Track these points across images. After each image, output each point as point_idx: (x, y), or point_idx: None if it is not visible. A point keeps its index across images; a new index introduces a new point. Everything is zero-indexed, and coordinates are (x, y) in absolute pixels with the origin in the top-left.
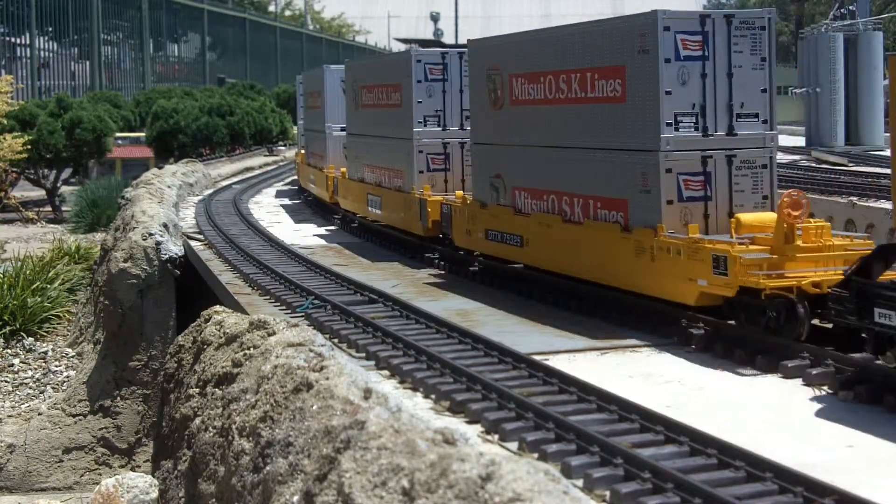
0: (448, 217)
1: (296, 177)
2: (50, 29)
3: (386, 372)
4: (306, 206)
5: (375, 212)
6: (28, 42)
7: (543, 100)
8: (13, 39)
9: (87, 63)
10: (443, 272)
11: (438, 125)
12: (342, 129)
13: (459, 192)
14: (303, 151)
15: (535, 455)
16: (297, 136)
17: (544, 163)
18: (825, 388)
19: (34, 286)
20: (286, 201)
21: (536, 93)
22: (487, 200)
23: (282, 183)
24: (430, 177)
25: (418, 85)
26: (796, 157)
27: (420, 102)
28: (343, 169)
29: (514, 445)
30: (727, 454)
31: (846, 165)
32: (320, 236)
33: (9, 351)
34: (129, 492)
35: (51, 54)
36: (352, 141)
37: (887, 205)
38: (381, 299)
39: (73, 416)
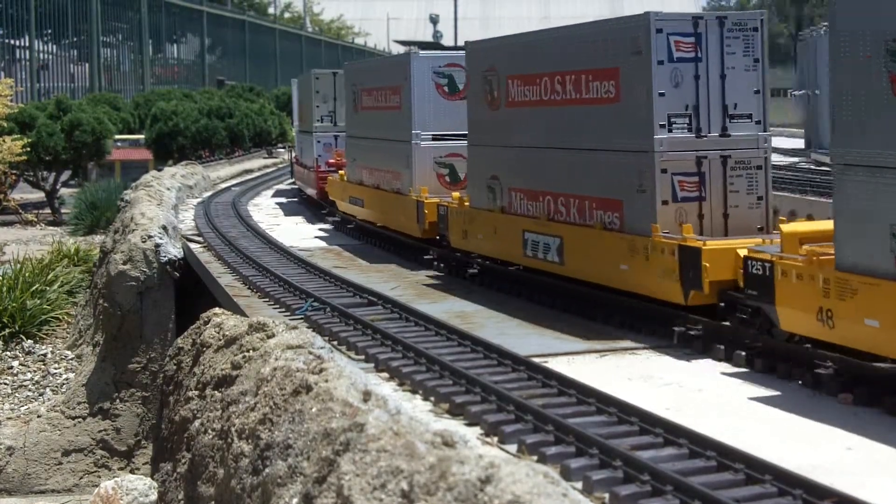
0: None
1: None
2: (49, 31)
3: (385, 374)
4: (305, 208)
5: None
6: (27, 44)
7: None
8: (12, 42)
9: (87, 65)
10: (441, 274)
11: None
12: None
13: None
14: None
15: (535, 457)
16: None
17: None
18: (823, 389)
19: (33, 288)
20: (285, 203)
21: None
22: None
23: (281, 185)
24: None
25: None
26: (795, 160)
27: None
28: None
29: (513, 447)
30: (726, 456)
31: None
32: (319, 238)
33: (8, 353)
34: (128, 494)
35: (50, 56)
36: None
37: None
38: (381, 301)
39: (73, 418)
